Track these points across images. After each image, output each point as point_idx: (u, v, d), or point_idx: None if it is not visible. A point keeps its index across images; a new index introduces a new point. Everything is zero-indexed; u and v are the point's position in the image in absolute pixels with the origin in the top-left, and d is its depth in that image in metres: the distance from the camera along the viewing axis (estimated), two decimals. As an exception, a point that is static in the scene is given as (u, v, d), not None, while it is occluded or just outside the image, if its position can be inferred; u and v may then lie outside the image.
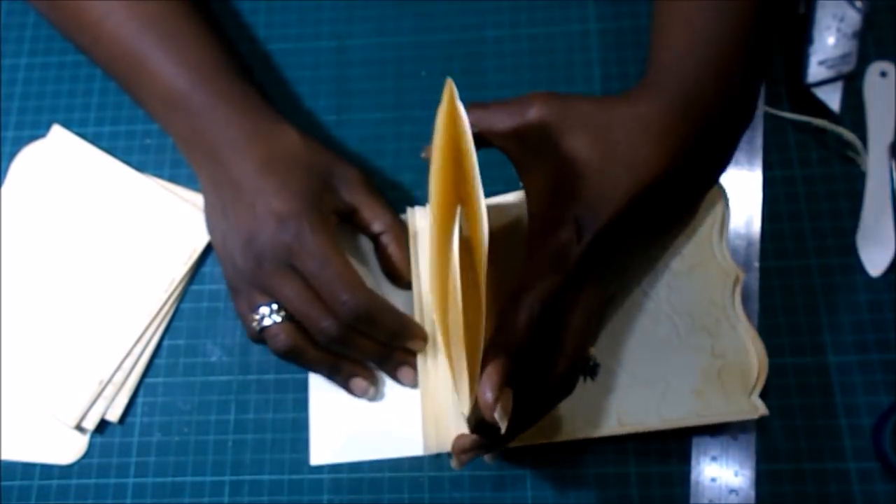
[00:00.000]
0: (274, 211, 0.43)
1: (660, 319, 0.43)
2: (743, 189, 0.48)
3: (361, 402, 0.46)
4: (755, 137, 0.49)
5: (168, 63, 0.47)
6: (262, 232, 0.43)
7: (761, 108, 0.50)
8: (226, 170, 0.45)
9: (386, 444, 0.45)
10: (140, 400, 0.48)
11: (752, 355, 0.41)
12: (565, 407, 0.42)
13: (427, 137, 0.41)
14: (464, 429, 0.39)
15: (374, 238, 0.46)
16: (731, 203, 0.45)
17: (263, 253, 0.43)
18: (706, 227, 0.44)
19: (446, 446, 0.42)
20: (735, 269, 0.43)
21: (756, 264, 0.47)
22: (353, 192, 0.46)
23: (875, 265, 0.46)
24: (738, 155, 0.49)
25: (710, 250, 0.44)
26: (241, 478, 0.45)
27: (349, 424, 0.46)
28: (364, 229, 0.46)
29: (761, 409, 0.41)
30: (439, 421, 0.43)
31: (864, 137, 0.49)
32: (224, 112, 0.46)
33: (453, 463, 0.39)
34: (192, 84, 0.46)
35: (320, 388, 0.47)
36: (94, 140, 0.53)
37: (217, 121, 0.46)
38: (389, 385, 0.46)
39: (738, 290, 0.43)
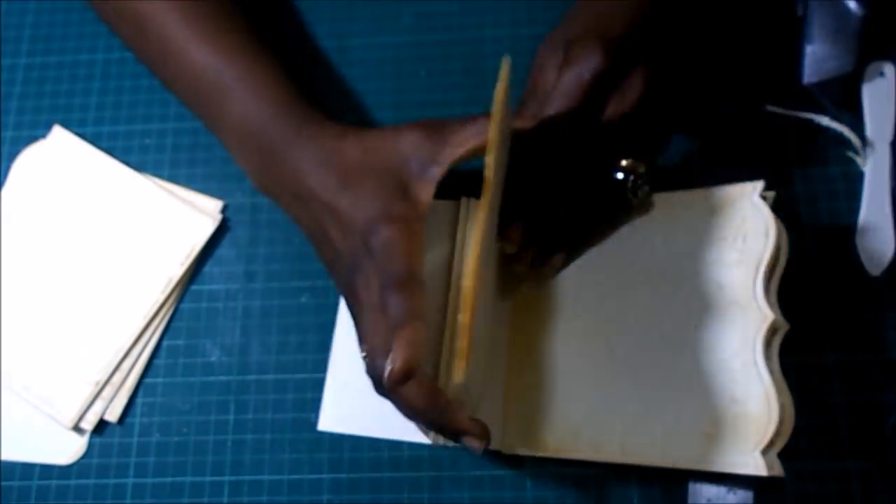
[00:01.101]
0: (360, 227, 0.40)
1: (684, 352, 0.41)
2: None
3: None
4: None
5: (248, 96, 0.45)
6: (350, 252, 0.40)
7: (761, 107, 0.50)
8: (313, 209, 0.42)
9: (396, 425, 0.44)
10: (139, 400, 0.48)
11: (774, 410, 0.38)
12: (573, 422, 0.42)
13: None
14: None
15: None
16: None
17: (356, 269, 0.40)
18: (752, 262, 0.41)
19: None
20: (772, 315, 0.40)
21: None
22: (432, 158, 0.41)
23: (875, 265, 0.46)
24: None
25: (752, 289, 0.41)
26: (240, 478, 0.45)
27: (364, 397, 0.43)
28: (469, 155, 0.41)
29: (776, 468, 0.39)
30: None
31: (863, 137, 0.49)
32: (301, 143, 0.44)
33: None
34: (272, 117, 0.44)
35: (343, 355, 0.46)
36: (94, 140, 0.53)
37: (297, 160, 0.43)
38: None
39: (777, 340, 0.40)
